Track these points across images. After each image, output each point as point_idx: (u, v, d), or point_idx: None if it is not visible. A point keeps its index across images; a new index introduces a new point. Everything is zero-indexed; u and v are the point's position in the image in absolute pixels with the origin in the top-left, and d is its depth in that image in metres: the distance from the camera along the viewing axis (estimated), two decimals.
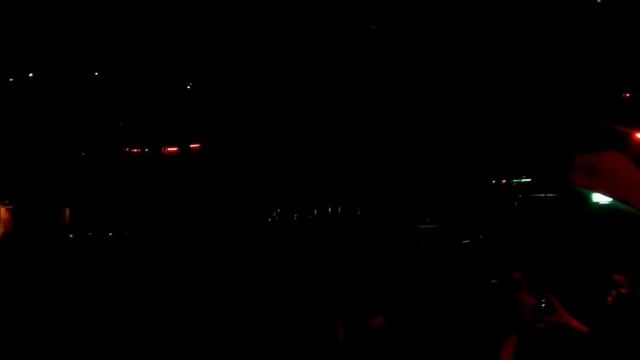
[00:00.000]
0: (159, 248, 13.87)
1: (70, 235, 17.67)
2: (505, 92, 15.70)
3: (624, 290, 2.62)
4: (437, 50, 15.66)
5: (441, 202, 15.89)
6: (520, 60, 15.30)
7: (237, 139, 21.01)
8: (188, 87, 21.72)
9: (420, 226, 14.25)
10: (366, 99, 17.64)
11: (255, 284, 8.17)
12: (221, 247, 13.10)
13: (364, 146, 18.11)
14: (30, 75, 18.22)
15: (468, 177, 16.69)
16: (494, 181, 16.82)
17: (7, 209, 20.45)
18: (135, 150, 22.57)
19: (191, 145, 23.24)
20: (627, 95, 13.93)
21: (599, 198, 11.20)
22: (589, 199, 12.51)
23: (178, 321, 6.39)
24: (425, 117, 16.76)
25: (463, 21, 14.97)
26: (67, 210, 20.81)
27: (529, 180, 16.30)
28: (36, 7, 16.01)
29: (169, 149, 23.52)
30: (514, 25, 14.66)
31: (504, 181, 16.70)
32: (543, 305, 1.73)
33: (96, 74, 19.17)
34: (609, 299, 2.62)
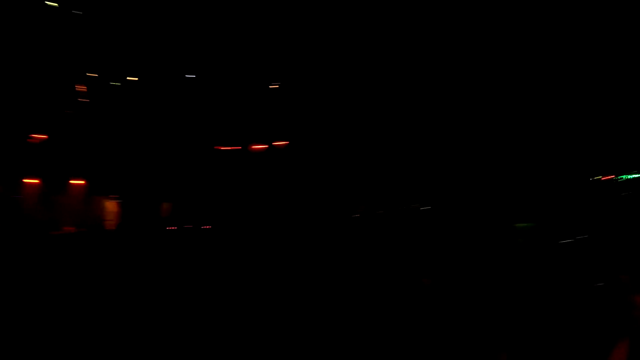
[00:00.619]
0: (252, 241, 14.44)
1: (170, 228, 18.98)
2: (609, 78, 14.52)
3: None
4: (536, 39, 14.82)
5: (539, 198, 15.01)
6: (625, 44, 14.06)
7: (324, 135, 21.27)
8: (275, 86, 22.31)
9: (517, 224, 13.55)
10: (459, 89, 17.10)
11: (345, 280, 8.22)
12: (310, 242, 13.35)
13: (454, 139, 17.57)
14: (135, 78, 19.67)
15: (570, 172, 15.60)
16: (598, 177, 15.59)
17: (113, 203, 22.35)
18: (227, 148, 23.63)
19: (278, 143, 23.88)
20: None
21: None
22: None
23: (275, 314, 6.59)
24: (522, 108, 15.91)
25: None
26: (167, 205, 22.34)
27: (638, 175, 14.94)
28: (143, 10, 17.18)
29: (257, 147, 24.33)
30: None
31: (609, 177, 15.44)
32: None
33: (194, 76, 20.28)
34: None
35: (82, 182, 20.38)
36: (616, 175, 15.40)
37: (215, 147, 23.38)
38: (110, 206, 22.32)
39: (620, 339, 1.60)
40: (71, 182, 20.17)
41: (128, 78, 19.87)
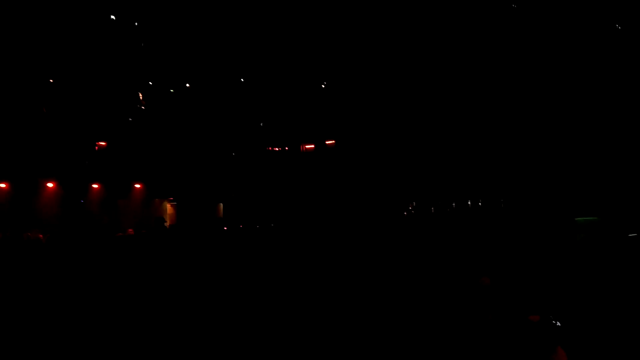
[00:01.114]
0: (302, 239, 14.61)
1: (225, 228, 19.50)
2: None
3: None
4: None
5: (601, 191, 14.31)
6: None
7: (373, 133, 21.23)
8: (323, 85, 22.46)
9: (577, 218, 12.97)
10: (513, 87, 16.65)
11: (396, 275, 8.22)
12: (361, 240, 13.37)
13: (510, 131, 17.09)
14: (187, 85, 20.39)
15: (633, 162, 14.81)
16: None
17: (172, 205, 23.20)
18: (277, 148, 24.00)
19: (327, 142, 24.03)
20: None
21: None
22: None
23: (328, 307, 6.68)
24: (583, 101, 15.28)
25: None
26: (221, 206, 22.99)
27: None
28: (185, 23, 17.80)
29: (306, 147, 24.58)
30: None
31: None
32: None
33: (242, 80, 20.79)
34: None
35: (142, 185, 21.29)
36: None
37: (268, 148, 23.85)
38: (169, 208, 23.22)
39: None
40: (132, 186, 21.10)
41: (185, 85, 20.56)
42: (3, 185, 16.13)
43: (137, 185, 21.08)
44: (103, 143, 20.74)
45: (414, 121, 19.79)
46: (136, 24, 17.09)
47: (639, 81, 14.37)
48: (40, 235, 14.37)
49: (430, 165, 19.26)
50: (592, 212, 13.49)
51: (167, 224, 21.50)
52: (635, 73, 14.44)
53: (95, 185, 19.40)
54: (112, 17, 16.16)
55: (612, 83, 14.78)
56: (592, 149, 15.21)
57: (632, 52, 14.24)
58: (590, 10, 14.21)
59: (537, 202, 15.59)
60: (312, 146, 24.45)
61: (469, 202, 18.47)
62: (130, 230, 17.66)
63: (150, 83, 19.71)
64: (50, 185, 17.37)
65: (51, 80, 16.35)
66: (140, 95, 19.62)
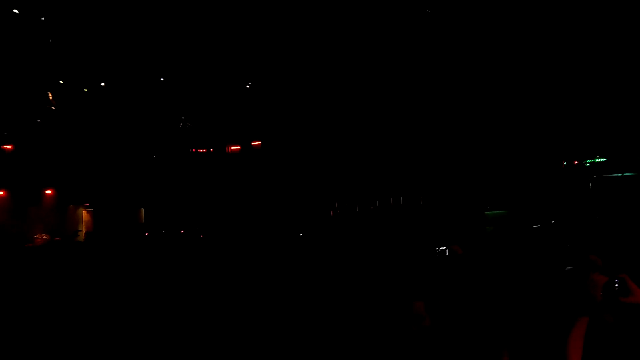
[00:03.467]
0: (228, 243, 14.41)
1: (146, 234, 18.80)
2: (573, 66, 14.91)
3: None
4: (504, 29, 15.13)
5: (508, 186, 15.35)
6: (587, 32, 14.47)
7: (297, 134, 21.33)
8: (247, 86, 22.25)
9: (487, 212, 13.86)
10: (424, 81, 17.33)
11: (324, 278, 8.31)
12: (287, 241, 13.40)
13: (424, 131, 17.82)
14: (102, 84, 19.39)
15: (537, 159, 16.00)
16: (565, 162, 16.02)
17: (88, 212, 22.01)
18: (202, 150, 23.47)
19: (253, 143, 23.84)
20: None
21: None
22: None
23: (248, 313, 6.64)
24: (489, 95, 16.22)
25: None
26: (143, 211, 22.09)
27: (604, 160, 15.40)
28: (103, 17, 16.95)
29: (232, 148, 24.25)
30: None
31: (576, 162, 15.89)
32: (617, 285, 1.70)
33: (161, 79, 20.07)
34: None
35: (54, 191, 20.02)
36: (584, 160, 15.85)
37: (192, 150, 23.24)
38: (85, 215, 21.98)
39: (579, 317, 1.70)
40: (43, 192, 19.79)
41: (100, 83, 19.54)
42: None
43: (48, 191, 19.81)
44: (9, 146, 19.36)
45: (337, 123, 20.12)
46: (43, 18, 15.99)
47: (545, 83, 15.47)
48: None
49: (353, 165, 19.69)
50: (500, 206, 14.50)
51: (81, 232, 20.36)
52: (543, 72, 15.49)
53: (0, 192, 18.03)
54: (15, 11, 15.02)
55: (519, 85, 15.83)
56: (500, 150, 16.31)
57: (531, 50, 15.26)
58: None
59: (452, 199, 16.43)
60: (238, 147, 24.16)
61: (391, 200, 19.09)
62: (40, 239, 16.55)
63: (61, 82, 18.55)
64: None
65: None
66: (50, 94, 18.41)
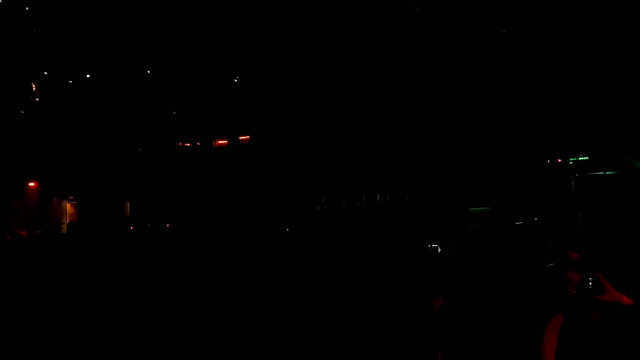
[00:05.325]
0: (215, 237, 14.36)
1: (131, 227, 18.65)
2: (556, 66, 15.09)
3: None
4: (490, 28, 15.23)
5: (492, 183, 15.52)
6: (571, 33, 14.65)
7: (285, 129, 21.28)
8: (235, 80, 22.12)
9: (471, 209, 14.00)
10: (410, 80, 17.41)
11: (309, 273, 8.33)
12: (274, 236, 13.40)
13: (409, 129, 17.92)
14: (88, 76, 19.13)
15: (521, 157, 16.18)
16: (548, 161, 16.23)
17: (72, 204, 21.75)
18: (188, 144, 23.31)
19: (240, 138, 23.73)
20: None
21: None
22: None
23: (233, 309, 6.64)
24: (474, 94, 16.35)
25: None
26: (128, 204, 21.90)
27: (587, 158, 15.63)
28: (90, 8, 16.71)
29: (219, 142, 24.11)
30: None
31: (559, 160, 16.10)
32: (590, 283, 1.73)
33: (148, 72, 19.86)
34: None
35: (37, 183, 19.74)
36: (566, 158, 16.06)
37: (178, 144, 23.05)
38: (69, 208, 21.73)
39: (554, 314, 1.73)
40: (26, 184, 19.51)
41: (86, 75, 19.27)
42: None
43: (32, 184, 19.53)
44: None
45: (325, 118, 20.11)
46: (27, 8, 15.72)
47: (529, 82, 15.64)
48: None
49: (340, 161, 19.72)
50: (484, 203, 14.67)
51: (64, 225, 20.14)
52: (527, 72, 15.65)
53: None
54: None
55: (504, 85, 15.98)
56: (485, 148, 16.47)
57: (515, 51, 15.41)
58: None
59: (437, 195, 16.57)
60: (225, 142, 24.03)
61: (378, 197, 19.18)
62: (22, 232, 16.35)
63: (45, 73, 18.26)
64: None
65: None
66: (34, 85, 18.12)
